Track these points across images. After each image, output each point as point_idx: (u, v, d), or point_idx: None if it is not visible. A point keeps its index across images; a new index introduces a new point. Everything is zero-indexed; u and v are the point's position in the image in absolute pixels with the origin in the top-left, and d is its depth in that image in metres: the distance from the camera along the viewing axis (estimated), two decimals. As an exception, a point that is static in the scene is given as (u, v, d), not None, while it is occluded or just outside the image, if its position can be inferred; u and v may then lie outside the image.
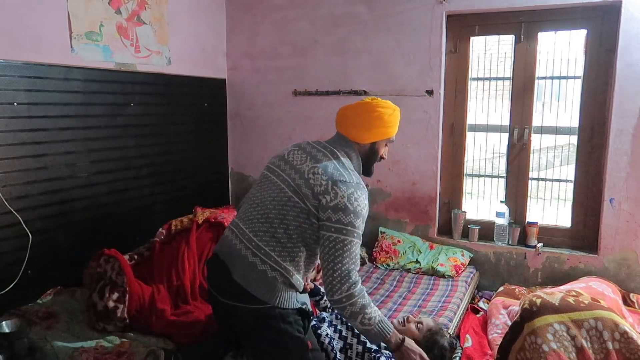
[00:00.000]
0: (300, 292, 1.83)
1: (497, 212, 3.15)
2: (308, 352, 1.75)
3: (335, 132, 1.94)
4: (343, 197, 1.68)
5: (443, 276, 2.97)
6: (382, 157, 1.96)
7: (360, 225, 1.72)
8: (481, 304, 2.90)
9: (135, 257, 2.56)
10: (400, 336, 1.77)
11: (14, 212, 2.26)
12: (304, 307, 1.80)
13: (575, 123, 3.04)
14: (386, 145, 1.95)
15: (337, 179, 1.71)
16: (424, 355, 1.79)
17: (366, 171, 1.94)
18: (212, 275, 1.87)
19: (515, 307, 2.44)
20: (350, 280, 1.66)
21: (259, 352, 1.79)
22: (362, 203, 1.72)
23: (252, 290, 1.70)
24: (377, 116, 1.83)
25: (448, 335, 2.09)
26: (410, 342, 1.78)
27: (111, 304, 2.14)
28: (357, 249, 1.71)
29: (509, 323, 2.32)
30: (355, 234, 1.70)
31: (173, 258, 2.51)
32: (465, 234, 3.26)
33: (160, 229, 2.71)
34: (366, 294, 1.72)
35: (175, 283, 2.40)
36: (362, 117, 1.84)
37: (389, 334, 1.73)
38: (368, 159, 1.91)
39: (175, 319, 2.19)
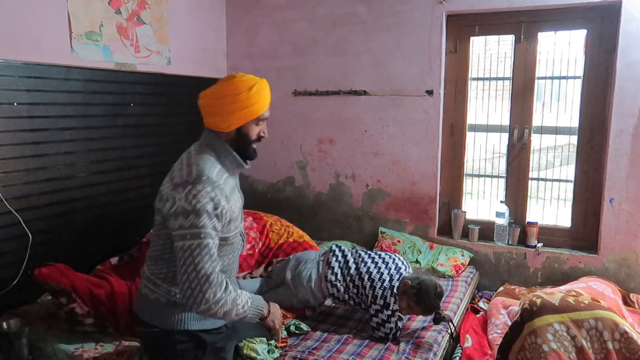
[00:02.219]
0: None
1: (497, 212, 3.15)
2: None
3: None
4: (180, 200, 1.52)
5: (443, 276, 2.97)
6: (260, 137, 1.75)
7: (206, 222, 1.51)
8: (481, 304, 2.90)
9: (125, 257, 2.61)
10: (268, 306, 1.69)
11: (14, 212, 2.26)
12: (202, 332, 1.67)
13: (575, 123, 3.04)
14: (257, 124, 1.73)
15: (175, 182, 1.57)
16: (280, 320, 1.76)
17: (245, 156, 1.73)
18: None
19: (515, 307, 2.44)
20: (213, 284, 1.50)
21: None
22: (201, 198, 1.52)
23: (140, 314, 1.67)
24: (231, 100, 1.63)
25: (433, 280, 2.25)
26: (274, 308, 1.72)
27: (66, 308, 2.12)
28: (210, 249, 1.52)
29: (509, 323, 2.32)
30: (202, 234, 1.50)
31: None
32: (465, 234, 3.26)
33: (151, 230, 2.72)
34: (230, 287, 1.55)
35: None
36: (216, 104, 1.65)
37: (262, 310, 1.64)
38: (239, 145, 1.70)
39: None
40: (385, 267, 2.31)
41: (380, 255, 2.42)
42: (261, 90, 1.71)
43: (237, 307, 1.55)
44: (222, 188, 1.59)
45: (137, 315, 1.68)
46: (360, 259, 2.38)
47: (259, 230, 2.88)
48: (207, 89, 1.69)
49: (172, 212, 1.52)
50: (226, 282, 1.55)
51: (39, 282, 2.15)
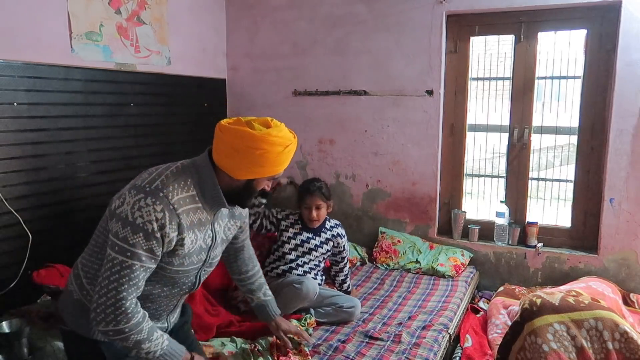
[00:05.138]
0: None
1: (497, 212, 3.15)
2: None
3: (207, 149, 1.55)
4: (128, 204, 1.37)
5: (443, 276, 2.97)
6: (263, 191, 1.57)
7: (139, 242, 1.35)
8: (481, 304, 2.90)
9: None
10: (189, 355, 1.52)
11: (14, 212, 2.26)
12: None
13: (575, 123, 3.04)
14: (269, 179, 1.56)
15: (135, 183, 1.43)
16: None
17: (239, 202, 1.56)
18: None
19: (515, 307, 2.44)
20: (122, 312, 1.36)
21: None
22: (146, 214, 1.35)
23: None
24: (261, 153, 1.40)
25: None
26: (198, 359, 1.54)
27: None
28: (132, 272, 1.36)
29: (509, 323, 2.32)
30: (129, 254, 1.35)
31: None
32: (465, 234, 3.26)
33: None
34: (145, 326, 1.41)
35: None
36: (241, 149, 1.40)
37: (178, 356, 1.47)
38: (241, 194, 1.52)
39: None
40: None
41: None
42: (293, 149, 1.48)
43: (141, 349, 1.40)
44: (177, 214, 1.39)
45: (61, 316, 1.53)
46: None
47: None
48: (231, 120, 1.46)
49: (116, 212, 1.38)
50: (141, 319, 1.40)
51: (37, 285, 2.16)
